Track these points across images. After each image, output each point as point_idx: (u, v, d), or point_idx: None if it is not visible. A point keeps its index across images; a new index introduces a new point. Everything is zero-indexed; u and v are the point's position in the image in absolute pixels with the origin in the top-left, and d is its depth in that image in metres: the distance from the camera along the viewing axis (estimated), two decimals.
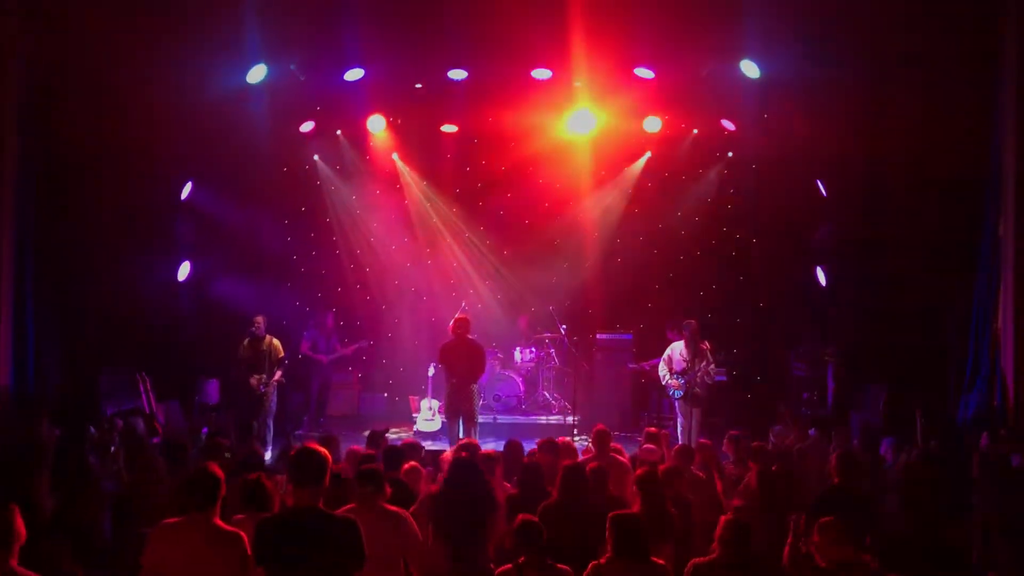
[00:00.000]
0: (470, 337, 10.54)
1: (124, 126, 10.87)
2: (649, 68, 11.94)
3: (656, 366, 11.74)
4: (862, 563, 4.24)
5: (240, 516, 4.66)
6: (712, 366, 10.63)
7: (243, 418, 10.66)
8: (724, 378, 12.08)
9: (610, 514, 4.72)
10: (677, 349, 10.80)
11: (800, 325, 13.13)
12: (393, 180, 14.34)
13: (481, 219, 14.46)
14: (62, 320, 10.77)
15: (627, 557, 4.46)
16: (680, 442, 9.82)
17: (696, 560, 4.74)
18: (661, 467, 6.49)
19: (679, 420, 10.90)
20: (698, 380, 10.59)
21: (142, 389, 10.85)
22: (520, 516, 4.79)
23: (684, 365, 10.65)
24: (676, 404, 10.95)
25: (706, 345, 10.75)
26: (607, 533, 4.58)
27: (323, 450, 4.17)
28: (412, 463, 6.60)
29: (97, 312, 11.11)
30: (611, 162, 14.02)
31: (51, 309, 10.61)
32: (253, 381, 10.81)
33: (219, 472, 4.33)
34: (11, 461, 5.49)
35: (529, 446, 7.59)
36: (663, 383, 11.01)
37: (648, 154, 14.03)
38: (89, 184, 10.85)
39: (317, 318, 13.05)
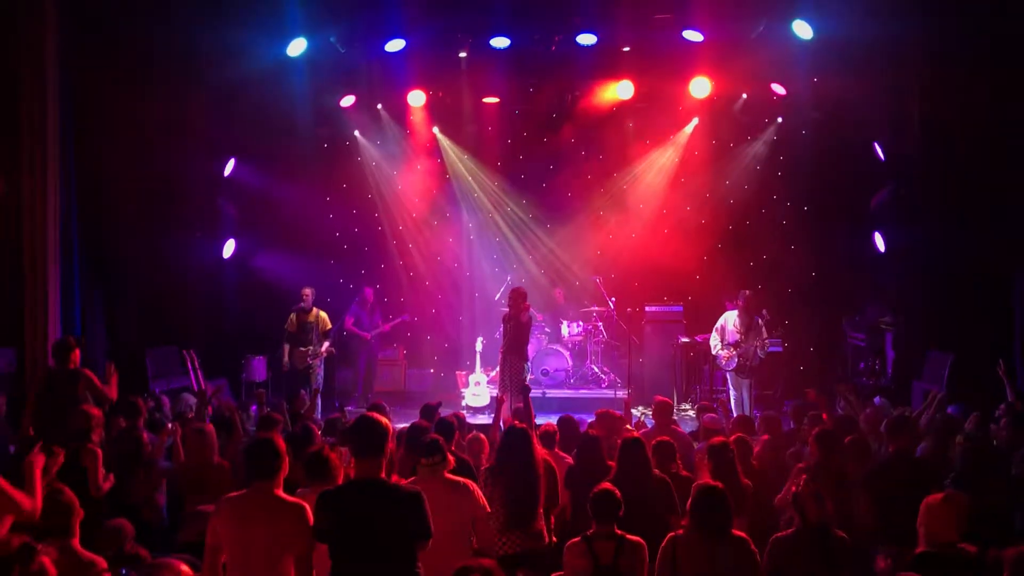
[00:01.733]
0: (526, 307, 10.30)
1: (166, 102, 10.88)
2: (698, 30, 11.64)
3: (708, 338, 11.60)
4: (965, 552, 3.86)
5: (304, 489, 4.52)
6: (767, 338, 10.43)
7: (293, 389, 10.54)
8: (779, 348, 11.83)
9: (695, 485, 4.57)
10: (731, 319, 10.61)
11: (857, 293, 12.86)
12: (435, 154, 14.28)
13: (524, 191, 14.33)
14: (108, 299, 10.82)
15: (708, 530, 4.29)
16: (734, 415, 9.37)
17: (777, 535, 4.57)
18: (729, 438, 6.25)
19: (731, 392, 10.73)
20: (752, 352, 10.42)
21: (190, 367, 10.86)
22: (600, 485, 4.67)
23: (737, 336, 10.47)
24: (728, 376, 10.79)
25: (765, 315, 10.56)
26: (688, 505, 4.42)
27: (384, 419, 4.07)
28: (477, 433, 6.62)
29: (143, 291, 11.17)
30: (658, 129, 13.88)
31: (97, 288, 10.66)
32: (301, 351, 11.01)
33: (280, 443, 4.20)
34: (65, 440, 5.46)
35: (581, 420, 7.47)
36: (714, 353, 10.85)
37: (696, 120, 13.77)
38: (132, 163, 10.84)
39: (360, 294, 12.99)
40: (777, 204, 13.69)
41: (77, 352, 7.52)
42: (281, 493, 4.08)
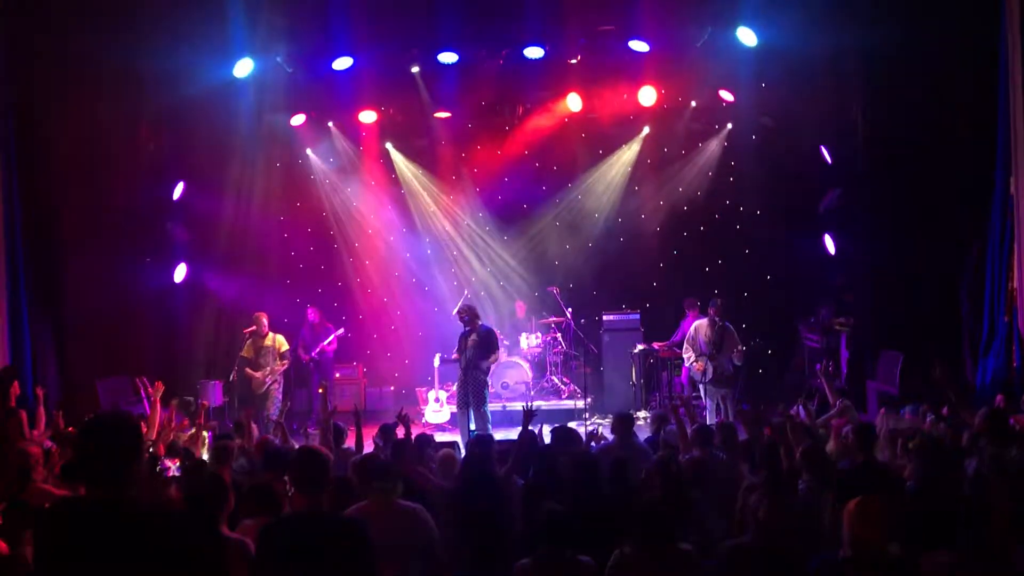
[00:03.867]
0: (480, 323, 10.31)
1: (113, 124, 10.74)
2: (644, 40, 11.70)
3: (671, 346, 11.98)
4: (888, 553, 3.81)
5: (250, 521, 4.46)
6: (741, 347, 10.21)
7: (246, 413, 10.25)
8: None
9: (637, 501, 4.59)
10: (701, 329, 10.41)
11: (810, 295, 12.95)
12: (389, 169, 14.26)
13: (480, 204, 14.35)
14: (57, 329, 10.65)
15: (650, 547, 4.32)
16: (710, 421, 9.74)
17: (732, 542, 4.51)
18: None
19: (707, 404, 10.54)
20: (725, 361, 10.24)
21: (143, 395, 10.54)
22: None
23: (709, 348, 10.27)
24: (703, 388, 10.55)
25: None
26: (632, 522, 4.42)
27: (324, 450, 4.00)
28: (448, 450, 6.54)
29: (93, 319, 10.96)
30: (609, 139, 13.93)
31: (46, 319, 10.48)
32: (259, 375, 10.83)
33: (225, 480, 4.18)
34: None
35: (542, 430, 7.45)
36: (687, 364, 10.72)
37: (646, 130, 13.88)
38: (78, 188, 10.68)
39: (305, 317, 12.84)
40: (730, 209, 13.77)
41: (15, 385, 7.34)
42: (225, 530, 4.05)
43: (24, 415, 7.34)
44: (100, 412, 4.01)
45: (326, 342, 12.64)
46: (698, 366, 10.35)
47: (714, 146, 13.75)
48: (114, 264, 11.14)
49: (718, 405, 10.30)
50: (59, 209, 10.53)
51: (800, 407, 7.87)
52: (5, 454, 6.12)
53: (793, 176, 12.69)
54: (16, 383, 7.41)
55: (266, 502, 4.53)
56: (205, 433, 8.03)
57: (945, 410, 7.19)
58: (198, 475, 5.29)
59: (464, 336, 10.19)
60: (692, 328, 10.55)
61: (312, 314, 12.86)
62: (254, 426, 8.08)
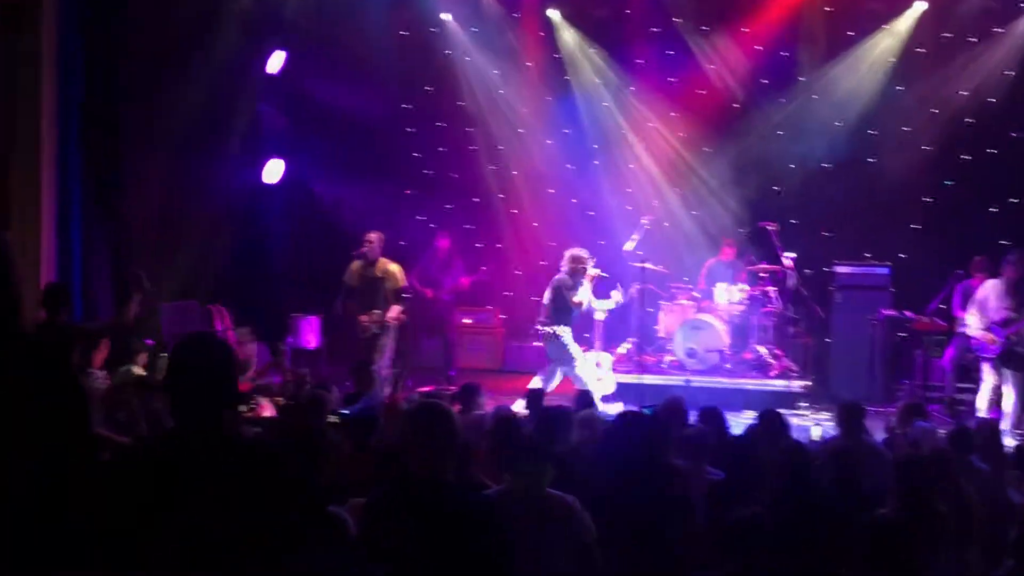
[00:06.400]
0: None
1: None
2: None
3: (933, 315, 11.76)
4: None
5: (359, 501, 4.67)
6: None
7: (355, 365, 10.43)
8: None
9: None
10: (995, 290, 10.46)
11: None
12: (551, 46, 14.28)
13: (673, 101, 14.17)
14: (113, 236, 11.09)
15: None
16: (980, 411, 10.14)
17: None
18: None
19: (985, 385, 10.62)
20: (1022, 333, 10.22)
21: (219, 327, 11.11)
22: None
23: (1007, 312, 10.25)
24: (983, 367, 10.59)
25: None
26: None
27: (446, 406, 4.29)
28: (590, 412, 6.95)
29: (157, 224, 11.44)
30: (864, 17, 13.72)
31: (101, 224, 10.94)
32: (364, 319, 10.98)
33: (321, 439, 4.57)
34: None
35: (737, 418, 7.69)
36: (971, 334, 10.63)
37: (921, 5, 13.52)
38: (148, 51, 11.03)
39: (431, 246, 13.12)
40: None
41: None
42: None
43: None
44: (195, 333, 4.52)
45: (465, 281, 12.97)
46: (986, 338, 10.34)
47: (1020, 31, 13.31)
48: (187, 157, 11.58)
49: (1000, 396, 10.37)
50: (119, 82, 10.92)
51: None
52: None
53: None
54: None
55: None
56: None
57: None
58: (293, 424, 5.84)
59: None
60: (984, 288, 10.62)
61: (444, 243, 13.05)
62: None
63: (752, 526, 4.60)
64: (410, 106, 14.24)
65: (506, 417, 6.76)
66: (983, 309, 10.47)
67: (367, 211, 12.54)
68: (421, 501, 3.87)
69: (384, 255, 11.22)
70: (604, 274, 10.93)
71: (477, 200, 14.61)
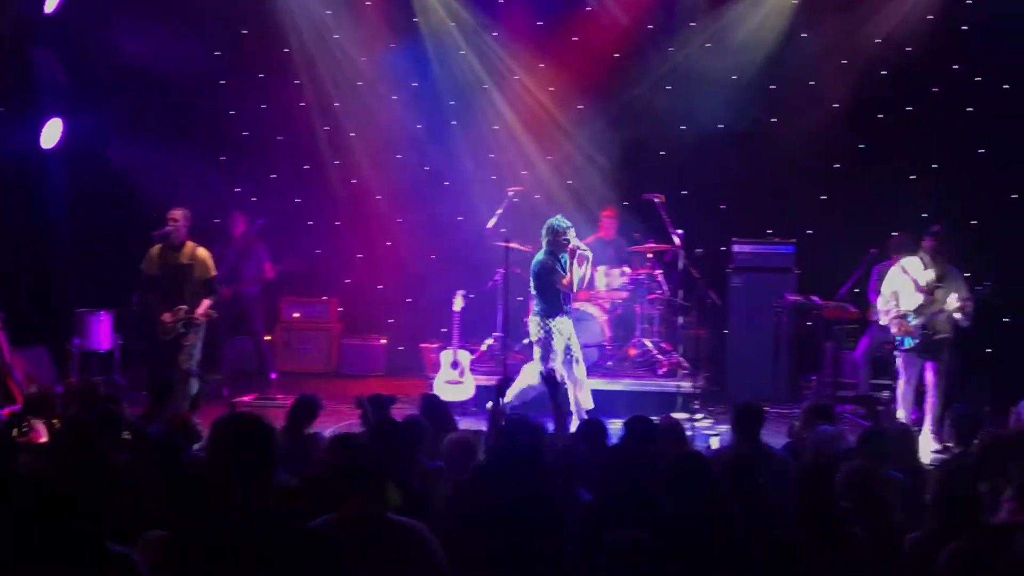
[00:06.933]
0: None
1: None
2: None
3: (843, 300, 11.79)
4: None
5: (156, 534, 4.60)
6: (970, 302, 10.22)
7: (155, 373, 10.39)
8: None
9: None
10: (913, 269, 10.47)
11: None
12: None
13: (542, 50, 13.93)
14: None
15: None
16: (899, 411, 10.26)
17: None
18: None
19: (900, 381, 10.64)
20: (945, 319, 10.27)
21: None
22: None
23: (924, 296, 10.33)
24: (900, 358, 10.61)
25: (954, 269, 10.47)
26: None
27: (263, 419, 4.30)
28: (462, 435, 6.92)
29: None
30: None
31: None
32: (167, 316, 10.64)
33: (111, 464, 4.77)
34: None
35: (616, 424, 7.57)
36: (884, 322, 10.63)
37: None
38: None
39: (230, 221, 12.78)
40: (961, 79, 13.29)
41: None
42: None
43: None
44: None
45: (270, 272, 12.75)
46: (899, 326, 10.38)
47: None
48: None
49: (921, 393, 10.55)
50: None
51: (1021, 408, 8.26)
52: None
53: None
54: None
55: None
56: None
57: None
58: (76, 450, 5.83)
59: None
60: (896, 267, 10.62)
61: (239, 223, 12.72)
62: None
63: (633, 553, 4.57)
64: (222, 53, 13.84)
65: (343, 435, 6.41)
66: (898, 294, 10.54)
67: (171, 183, 12.33)
68: (232, 535, 3.88)
69: (191, 238, 10.94)
70: (584, 247, 10.47)
71: (308, 168, 14.31)
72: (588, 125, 13.83)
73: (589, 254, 10.68)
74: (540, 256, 10.51)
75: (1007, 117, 12.97)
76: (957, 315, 10.20)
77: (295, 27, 13.85)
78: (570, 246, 10.37)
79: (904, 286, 10.47)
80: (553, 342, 10.38)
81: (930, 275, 10.33)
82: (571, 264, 10.36)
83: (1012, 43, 12.48)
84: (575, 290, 10.52)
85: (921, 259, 10.40)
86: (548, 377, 8.24)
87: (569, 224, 10.46)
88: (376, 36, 13.97)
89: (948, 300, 10.23)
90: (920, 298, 10.34)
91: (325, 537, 4.16)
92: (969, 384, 11.33)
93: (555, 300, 10.48)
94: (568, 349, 10.47)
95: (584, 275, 10.61)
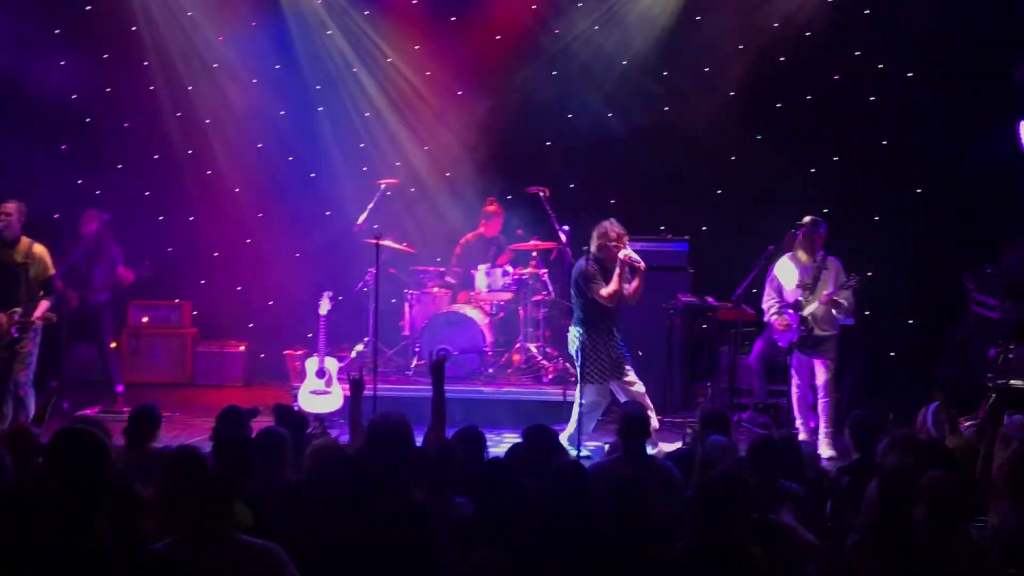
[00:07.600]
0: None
1: None
2: None
3: (739, 300, 11.66)
4: None
5: None
6: (851, 294, 10.43)
7: None
8: (851, 321, 11.55)
9: None
10: (787, 267, 10.67)
11: (991, 226, 12.60)
12: None
13: (418, 30, 13.72)
14: None
15: None
16: (797, 418, 10.45)
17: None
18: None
19: (794, 382, 10.75)
20: (824, 313, 10.39)
21: None
22: None
23: (801, 293, 10.51)
24: (792, 359, 10.78)
25: (834, 261, 10.57)
26: None
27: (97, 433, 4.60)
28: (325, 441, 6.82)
29: None
30: None
31: None
32: (2, 318, 10.40)
33: None
34: None
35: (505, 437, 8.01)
36: (768, 320, 10.87)
37: None
38: None
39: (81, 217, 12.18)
40: (862, 66, 13.24)
41: None
42: None
43: None
44: None
45: (126, 276, 12.16)
46: (780, 322, 10.58)
47: None
48: None
49: (807, 390, 10.67)
50: None
51: (929, 413, 8.29)
52: None
53: (972, 21, 12.58)
54: None
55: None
56: None
57: None
58: None
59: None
60: (777, 266, 10.82)
61: (92, 223, 12.13)
62: None
63: (500, 571, 4.63)
64: (61, 31, 13.37)
65: (182, 450, 6.24)
66: (779, 291, 10.77)
67: (3, 174, 12.09)
68: (61, 565, 3.87)
69: (27, 233, 10.69)
70: (638, 259, 9.88)
71: (157, 158, 13.80)
72: (467, 112, 13.70)
73: (641, 265, 10.08)
74: (580, 263, 10.12)
75: (911, 106, 13.15)
76: (833, 310, 10.33)
77: (144, 2, 13.53)
78: (622, 256, 9.80)
79: (787, 281, 10.58)
80: (587, 359, 9.95)
81: (806, 269, 10.46)
82: (617, 275, 9.82)
83: (916, 28, 12.68)
84: (613, 304, 9.89)
85: (794, 254, 10.58)
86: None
87: (621, 231, 9.95)
88: (234, 13, 13.63)
89: (818, 294, 10.48)
90: (799, 293, 10.48)
91: (167, 560, 4.15)
92: (880, 390, 11.53)
93: (592, 311, 9.96)
94: (613, 366, 9.87)
95: (634, 290, 9.94)
